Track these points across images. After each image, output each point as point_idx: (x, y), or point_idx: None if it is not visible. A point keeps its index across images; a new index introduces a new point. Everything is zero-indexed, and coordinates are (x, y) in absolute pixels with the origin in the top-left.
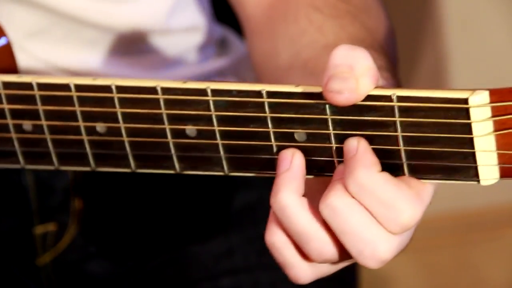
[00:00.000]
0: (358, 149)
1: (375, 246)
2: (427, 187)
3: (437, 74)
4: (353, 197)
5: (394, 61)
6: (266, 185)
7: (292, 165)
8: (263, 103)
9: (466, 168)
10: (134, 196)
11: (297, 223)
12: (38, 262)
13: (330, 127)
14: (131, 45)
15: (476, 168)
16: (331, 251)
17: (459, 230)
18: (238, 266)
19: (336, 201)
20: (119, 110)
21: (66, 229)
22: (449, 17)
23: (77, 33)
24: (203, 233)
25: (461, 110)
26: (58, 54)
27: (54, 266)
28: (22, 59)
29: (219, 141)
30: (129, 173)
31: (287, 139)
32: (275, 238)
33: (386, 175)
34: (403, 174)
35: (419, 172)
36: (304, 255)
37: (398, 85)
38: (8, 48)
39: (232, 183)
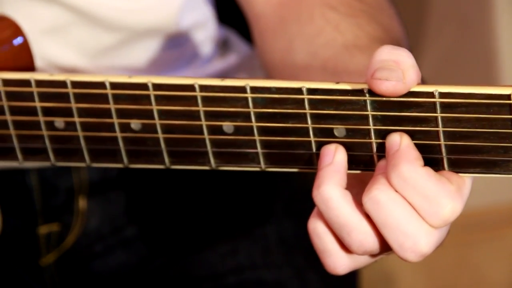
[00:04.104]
0: (401, 144)
1: (416, 240)
2: (467, 182)
3: (439, 74)
4: (396, 191)
5: None
6: (271, 185)
7: (334, 159)
8: (303, 100)
9: (506, 162)
10: (138, 196)
11: (339, 215)
12: (42, 262)
13: (371, 123)
14: (142, 48)
15: None
16: (372, 242)
17: (459, 230)
18: (243, 265)
19: (379, 194)
20: (155, 108)
21: (70, 229)
22: (450, 15)
23: (92, 37)
24: (208, 232)
25: (504, 105)
26: (69, 56)
27: (58, 266)
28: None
29: (256, 137)
30: (133, 173)
31: (326, 135)
32: (317, 224)
33: (428, 170)
34: (443, 168)
35: (458, 166)
36: (343, 246)
37: (421, 81)
38: (25, 46)
39: (237, 183)
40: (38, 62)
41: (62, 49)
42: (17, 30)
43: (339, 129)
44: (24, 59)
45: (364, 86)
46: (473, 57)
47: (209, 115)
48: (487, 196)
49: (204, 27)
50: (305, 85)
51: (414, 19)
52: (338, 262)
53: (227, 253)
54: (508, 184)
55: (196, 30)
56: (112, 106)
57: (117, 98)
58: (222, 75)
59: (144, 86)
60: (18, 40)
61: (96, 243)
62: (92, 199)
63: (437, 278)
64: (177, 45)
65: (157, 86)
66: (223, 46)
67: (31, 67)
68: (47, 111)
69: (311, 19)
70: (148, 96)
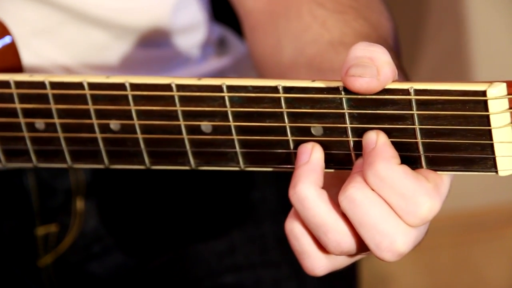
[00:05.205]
0: (377, 142)
1: (393, 239)
2: (445, 180)
3: (436, 71)
4: (373, 190)
5: (399, 56)
6: (268, 184)
7: (311, 158)
8: (279, 98)
9: (484, 159)
10: (135, 195)
11: (315, 214)
12: (40, 263)
13: (347, 121)
14: (134, 47)
15: (494, 159)
16: (348, 242)
17: (459, 230)
18: (240, 264)
19: (355, 193)
20: (133, 108)
21: (68, 230)
22: (449, 15)
23: (84, 36)
24: (205, 232)
25: (479, 102)
26: (63, 56)
27: (56, 267)
28: (27, 56)
29: (234, 137)
30: (130, 174)
31: (303, 134)
32: (294, 225)
33: (405, 168)
34: (421, 166)
35: (436, 164)
36: (321, 247)
37: (406, 79)
38: (12, 47)
39: (234, 182)
40: (33, 61)
41: (55, 49)
42: (4, 30)
43: (316, 128)
44: (11, 59)
45: (339, 84)
46: (472, 58)
47: (187, 115)
48: (487, 196)
49: (198, 27)
50: (281, 83)
51: (413, 19)
52: (316, 264)
53: (225, 252)
54: (508, 184)
55: (190, 30)
56: (91, 107)
57: (96, 99)
58: (218, 74)
59: (121, 86)
60: (5, 40)
61: (93, 244)
62: (89, 200)
63: (437, 278)
64: (171, 45)
65: (134, 86)
66: (219, 46)
67: (18, 68)
68: (27, 113)
69: (299, 16)
70: (126, 97)
